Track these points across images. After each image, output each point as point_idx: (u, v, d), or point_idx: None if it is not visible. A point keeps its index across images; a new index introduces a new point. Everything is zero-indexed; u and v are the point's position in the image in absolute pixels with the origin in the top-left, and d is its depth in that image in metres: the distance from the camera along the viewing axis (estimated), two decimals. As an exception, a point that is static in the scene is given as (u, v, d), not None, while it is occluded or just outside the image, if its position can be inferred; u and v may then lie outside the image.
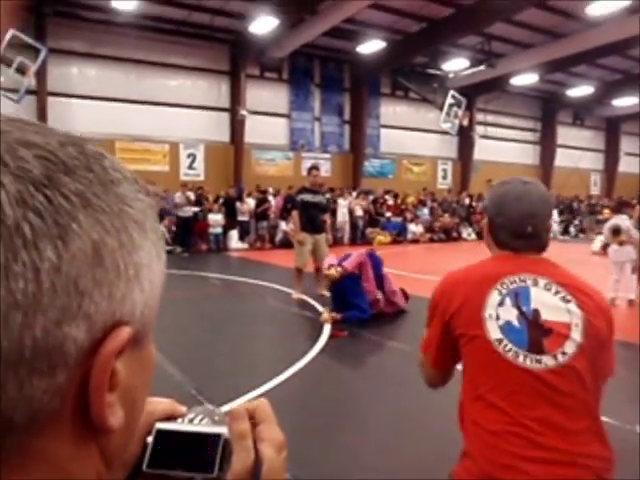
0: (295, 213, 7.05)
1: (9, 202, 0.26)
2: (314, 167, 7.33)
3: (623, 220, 6.96)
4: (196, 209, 13.61)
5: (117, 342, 0.30)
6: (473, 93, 19.63)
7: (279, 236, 14.44)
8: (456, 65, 17.09)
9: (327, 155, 18.79)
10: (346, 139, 19.30)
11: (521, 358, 1.29)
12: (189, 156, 16.42)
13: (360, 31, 15.45)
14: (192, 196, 13.87)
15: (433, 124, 19.28)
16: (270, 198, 14.98)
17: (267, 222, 14.59)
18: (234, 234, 14.15)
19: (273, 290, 7.75)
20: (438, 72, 17.44)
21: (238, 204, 14.31)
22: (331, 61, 18.54)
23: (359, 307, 5.77)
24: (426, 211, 17.78)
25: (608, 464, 1.28)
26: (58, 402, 0.28)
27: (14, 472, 0.28)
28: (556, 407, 1.26)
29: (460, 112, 17.59)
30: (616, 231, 6.77)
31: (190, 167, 16.46)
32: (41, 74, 13.34)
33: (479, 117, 21.44)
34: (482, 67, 16.62)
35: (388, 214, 16.66)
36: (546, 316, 1.32)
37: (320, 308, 6.29)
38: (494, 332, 1.32)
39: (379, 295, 6.11)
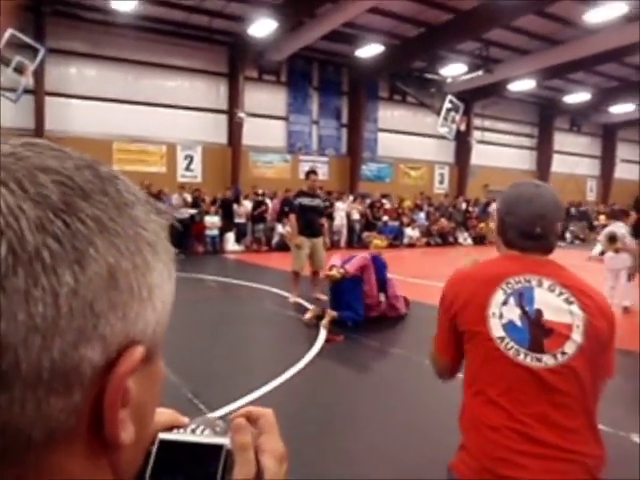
0: (293, 216, 7.05)
1: (29, 228, 0.27)
2: (312, 172, 7.35)
3: (619, 227, 6.98)
4: (193, 211, 13.57)
5: (131, 362, 0.31)
6: (471, 98, 19.68)
7: (276, 239, 14.42)
8: (454, 70, 17.13)
9: (324, 158, 18.79)
10: (344, 142, 19.31)
11: (521, 356, 1.33)
12: (186, 158, 16.38)
13: (359, 35, 15.48)
14: (189, 198, 13.87)
15: (430, 129, 19.30)
16: (267, 201, 14.99)
17: (264, 225, 14.57)
18: (231, 236, 14.13)
19: (269, 293, 7.74)
20: (436, 77, 17.47)
21: (235, 206, 14.29)
22: (329, 64, 18.55)
23: (354, 309, 5.79)
24: (423, 215, 17.81)
25: (600, 462, 1.32)
26: (74, 420, 0.29)
27: None
28: (554, 405, 1.30)
29: (457, 117, 17.60)
30: (612, 238, 6.79)
31: (187, 169, 16.41)
32: (39, 74, 13.27)
33: (476, 122, 21.48)
34: (480, 72, 16.65)
35: (385, 218, 16.69)
36: (548, 316, 1.35)
37: (309, 307, 6.33)
38: (497, 330, 1.36)
39: (382, 298, 6.11)
